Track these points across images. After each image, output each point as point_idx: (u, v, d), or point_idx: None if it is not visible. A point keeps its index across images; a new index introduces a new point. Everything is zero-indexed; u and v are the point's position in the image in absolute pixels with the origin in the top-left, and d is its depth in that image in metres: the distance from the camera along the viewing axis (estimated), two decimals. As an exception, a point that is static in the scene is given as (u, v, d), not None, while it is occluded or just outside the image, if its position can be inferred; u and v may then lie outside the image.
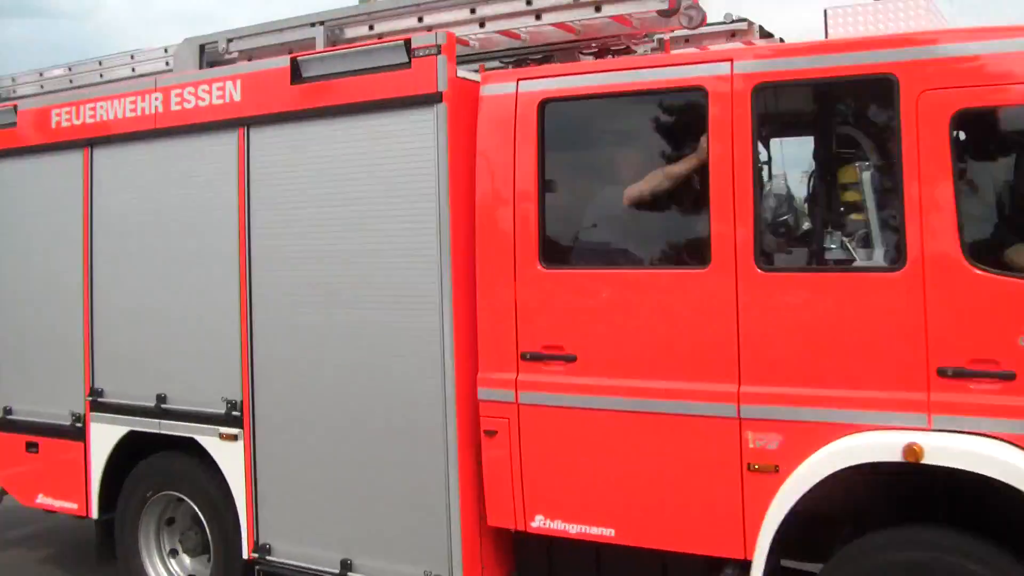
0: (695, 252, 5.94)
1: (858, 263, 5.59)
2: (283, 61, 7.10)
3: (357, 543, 6.89)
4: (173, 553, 8.21)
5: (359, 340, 6.78)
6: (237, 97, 7.32)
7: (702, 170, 5.87)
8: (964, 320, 5.28)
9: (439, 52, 6.43)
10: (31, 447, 8.72)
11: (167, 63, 8.74)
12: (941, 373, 5.32)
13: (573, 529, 6.21)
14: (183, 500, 7.92)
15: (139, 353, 7.90)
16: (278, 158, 7.11)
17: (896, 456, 5.31)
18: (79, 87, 9.20)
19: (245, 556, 7.40)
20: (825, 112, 5.96)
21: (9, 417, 8.85)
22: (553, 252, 6.32)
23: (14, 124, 8.65)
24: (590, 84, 6.22)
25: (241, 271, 7.30)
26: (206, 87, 7.46)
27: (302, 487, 7.14)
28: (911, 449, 5.26)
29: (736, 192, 5.75)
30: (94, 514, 8.30)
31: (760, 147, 5.97)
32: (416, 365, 6.54)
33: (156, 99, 7.73)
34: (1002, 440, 5.21)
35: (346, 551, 6.95)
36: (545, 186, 6.30)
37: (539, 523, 6.30)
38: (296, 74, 6.98)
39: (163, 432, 7.82)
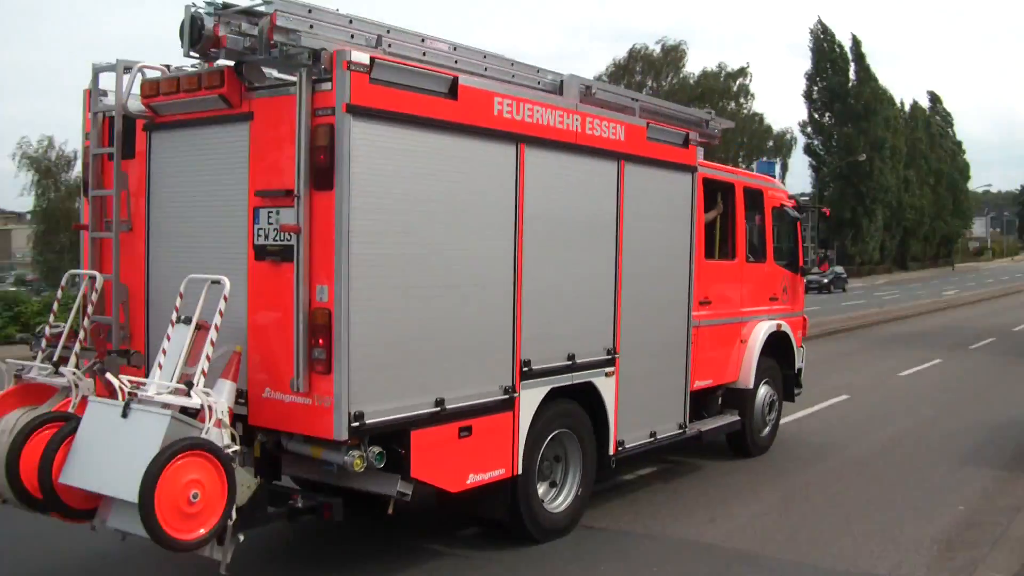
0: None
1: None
2: (642, 122, 11.17)
3: (660, 419, 11.79)
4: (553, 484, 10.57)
5: (670, 313, 11.89)
6: (621, 137, 10.77)
7: None
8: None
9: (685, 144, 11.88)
10: (464, 432, 9.04)
11: (538, 82, 10.29)
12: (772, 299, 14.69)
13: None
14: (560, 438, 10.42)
15: (551, 326, 9.93)
16: (637, 186, 11.03)
17: None
18: (465, 72, 9.22)
19: (611, 452, 10.94)
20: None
21: (443, 409, 8.77)
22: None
23: (451, 97, 8.62)
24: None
25: (618, 264, 10.87)
26: (607, 123, 10.52)
27: (644, 395, 11.24)
28: None
29: None
30: (519, 471, 9.59)
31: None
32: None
33: (576, 120, 10.13)
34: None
35: (653, 427, 11.67)
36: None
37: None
38: (646, 134, 11.19)
39: (574, 383, 10.30)
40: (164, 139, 9.11)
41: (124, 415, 7.68)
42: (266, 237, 8.34)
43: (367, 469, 8.27)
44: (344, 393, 7.94)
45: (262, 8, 7.94)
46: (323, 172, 7.89)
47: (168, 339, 8.12)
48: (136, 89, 9.08)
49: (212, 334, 7.84)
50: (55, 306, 9.29)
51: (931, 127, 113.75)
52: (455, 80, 8.66)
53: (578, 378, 10.39)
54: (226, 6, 7.99)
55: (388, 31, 8.80)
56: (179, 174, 9.03)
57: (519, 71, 10.16)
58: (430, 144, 8.45)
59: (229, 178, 8.58)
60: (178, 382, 7.84)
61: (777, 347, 14.60)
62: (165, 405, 7.54)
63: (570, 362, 10.23)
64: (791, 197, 15.58)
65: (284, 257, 8.19)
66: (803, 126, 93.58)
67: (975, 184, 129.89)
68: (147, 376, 8.23)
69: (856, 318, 38.69)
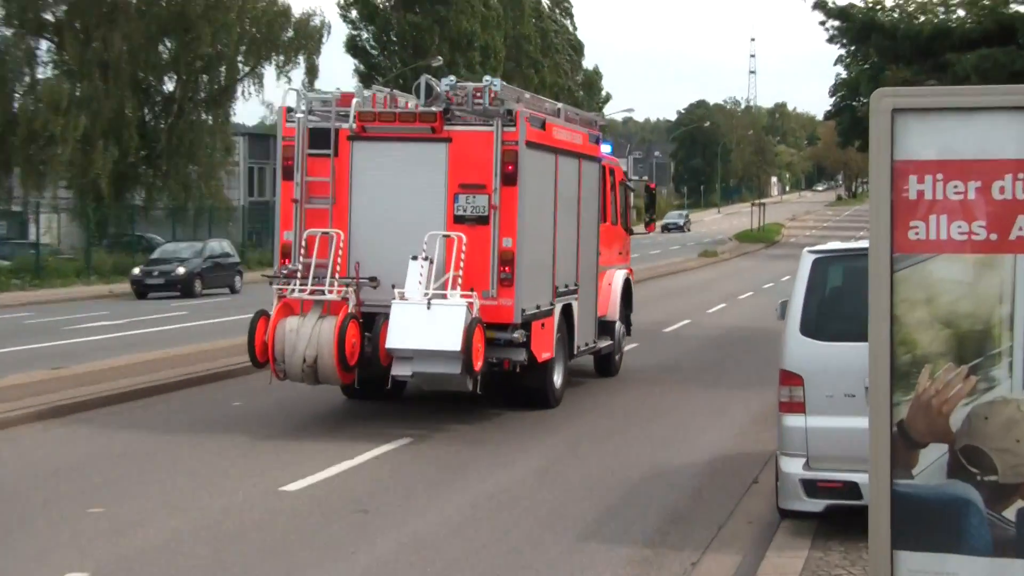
0: None
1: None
2: (584, 129, 17.80)
3: (588, 336, 17.75)
4: None
5: (592, 261, 17.93)
6: (580, 142, 17.30)
7: None
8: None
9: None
10: (541, 326, 15.59)
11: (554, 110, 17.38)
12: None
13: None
14: None
15: (562, 265, 16.45)
16: (585, 173, 17.43)
17: None
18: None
19: (574, 353, 17.25)
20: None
21: (539, 310, 15.48)
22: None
23: (542, 128, 15.43)
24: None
25: (578, 227, 17.03)
26: (578, 135, 17.23)
27: (584, 317, 17.32)
28: None
29: None
30: (553, 355, 16.15)
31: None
32: None
33: (574, 136, 17.04)
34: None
35: (586, 340, 17.67)
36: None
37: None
38: (588, 139, 17.78)
39: (566, 303, 16.57)
40: (364, 147, 14.97)
41: (428, 308, 13.88)
42: (464, 211, 14.75)
43: (512, 344, 14.77)
44: (518, 297, 14.78)
45: (484, 85, 14.64)
46: (510, 176, 14.61)
47: (417, 267, 14.17)
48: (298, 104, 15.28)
49: (440, 265, 14.32)
50: (295, 252, 14.84)
51: (541, 19, 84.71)
52: (544, 120, 15.94)
53: (569, 299, 16.79)
54: (459, 84, 14.92)
55: (526, 95, 16.30)
56: (379, 170, 14.91)
57: (538, 102, 16.85)
58: (537, 158, 15.31)
59: (428, 176, 14.76)
60: (433, 291, 14.07)
61: (624, 291, 19.96)
62: (459, 300, 14.03)
63: (567, 288, 16.67)
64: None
65: (479, 222, 14.66)
66: (344, 9, 69.98)
67: (615, 107, 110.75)
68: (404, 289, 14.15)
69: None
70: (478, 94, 14.54)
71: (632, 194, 22.06)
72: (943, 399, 5.43)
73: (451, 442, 14.26)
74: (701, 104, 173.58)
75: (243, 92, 56.73)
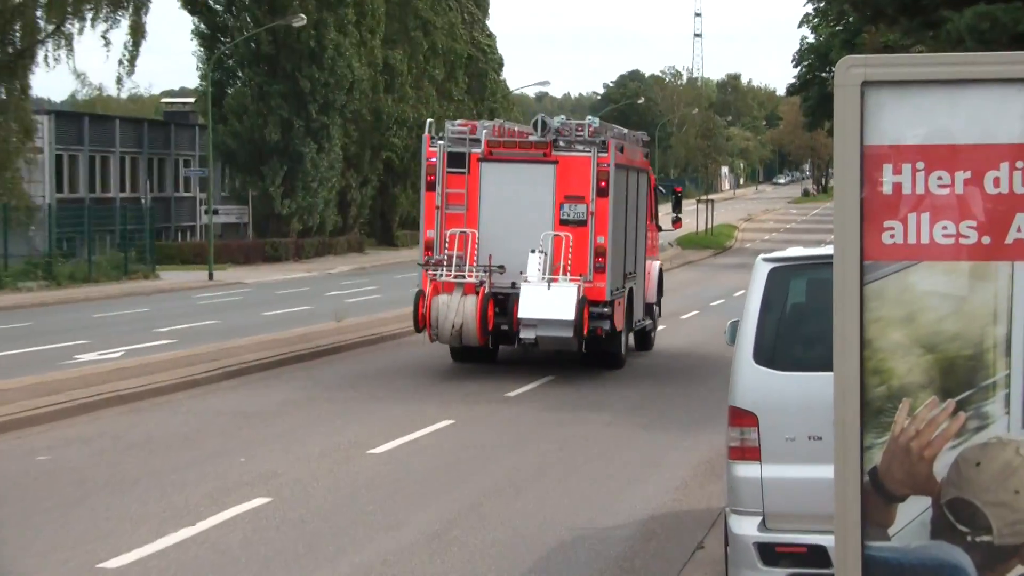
0: None
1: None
2: (644, 148, 30.42)
3: (639, 315, 28.87)
4: None
5: (642, 253, 28.94)
6: (638, 159, 28.43)
7: None
8: None
9: None
10: (621, 303, 25.78)
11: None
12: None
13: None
14: None
15: (626, 253, 26.64)
16: (639, 182, 28.25)
17: None
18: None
19: (632, 327, 28.03)
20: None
21: (619, 290, 25.63)
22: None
23: (621, 152, 20.89)
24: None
25: (637, 224, 27.78)
26: (638, 153, 28.94)
27: (636, 298, 27.82)
28: None
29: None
30: (623, 326, 26.18)
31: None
32: None
33: (632, 154, 27.50)
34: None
35: (637, 318, 28.56)
36: None
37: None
38: (643, 154, 30.10)
39: (629, 285, 26.86)
40: (491, 167, 24.58)
41: (548, 288, 23.51)
42: (568, 216, 24.23)
43: (603, 316, 24.48)
44: (608, 281, 24.43)
45: (585, 123, 25.00)
46: (603, 190, 24.30)
47: (536, 259, 23.76)
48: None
49: (551, 257, 23.98)
50: (438, 245, 24.31)
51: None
52: (623, 145, 26.21)
53: (631, 283, 26.83)
54: (566, 122, 25.34)
55: (613, 127, 27.38)
56: (502, 184, 24.46)
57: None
58: (619, 175, 25.20)
59: (540, 190, 24.28)
60: (550, 276, 23.77)
61: (659, 278, 30.47)
62: (571, 282, 23.85)
63: (631, 274, 26.70)
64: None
65: (578, 224, 24.15)
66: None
67: (519, 82, 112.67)
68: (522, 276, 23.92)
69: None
70: (580, 128, 24.75)
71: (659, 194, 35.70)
72: (925, 441, 5.44)
73: (288, 517, 14.22)
74: (635, 76, 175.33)
75: (46, 58, 54.96)
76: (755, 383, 9.38)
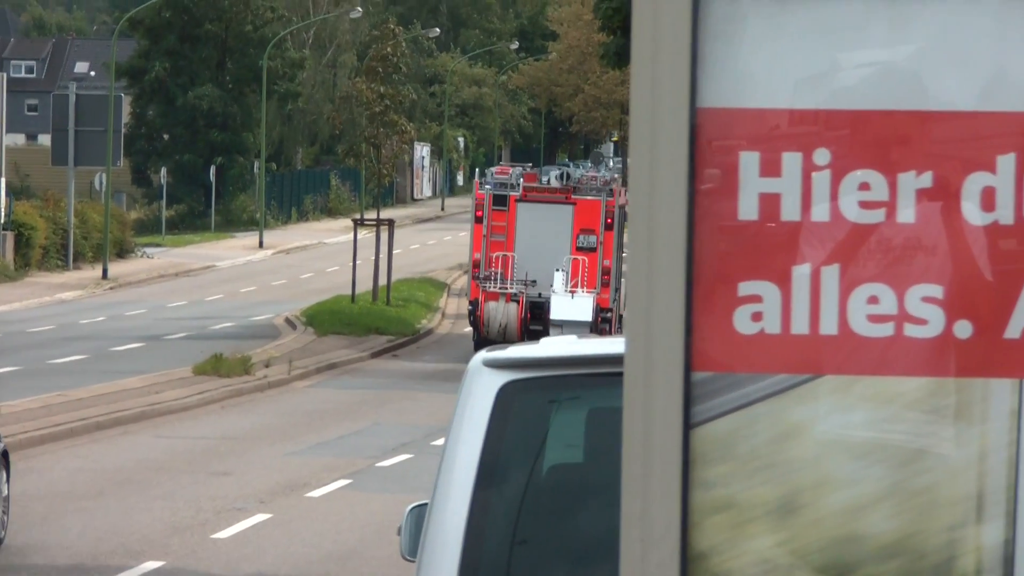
0: None
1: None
2: None
3: None
4: None
5: None
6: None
7: None
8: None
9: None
10: None
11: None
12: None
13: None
14: None
15: None
16: None
17: None
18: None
19: None
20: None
21: None
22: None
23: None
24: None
25: None
26: None
27: None
28: None
29: None
30: None
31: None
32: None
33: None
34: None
35: None
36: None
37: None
38: None
39: None
40: (526, 206, 44.05)
41: (572, 297, 42.00)
42: (583, 244, 43.58)
43: (607, 320, 44.74)
44: (613, 293, 43.97)
45: (599, 175, 48.81)
46: (609, 226, 43.88)
47: (561, 276, 42.12)
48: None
49: (570, 274, 43.58)
50: (483, 264, 43.42)
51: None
52: (624, 191, 42.82)
53: (619, 294, 46.67)
54: (585, 174, 49.70)
55: (618, 177, 49.67)
56: (534, 219, 43.77)
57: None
58: (621, 213, 42.62)
59: (562, 224, 43.76)
60: (571, 289, 44.01)
61: None
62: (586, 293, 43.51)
63: (621, 287, 43.01)
64: None
65: (590, 250, 43.47)
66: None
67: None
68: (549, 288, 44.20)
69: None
70: (593, 178, 42.90)
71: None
72: None
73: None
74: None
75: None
76: None
